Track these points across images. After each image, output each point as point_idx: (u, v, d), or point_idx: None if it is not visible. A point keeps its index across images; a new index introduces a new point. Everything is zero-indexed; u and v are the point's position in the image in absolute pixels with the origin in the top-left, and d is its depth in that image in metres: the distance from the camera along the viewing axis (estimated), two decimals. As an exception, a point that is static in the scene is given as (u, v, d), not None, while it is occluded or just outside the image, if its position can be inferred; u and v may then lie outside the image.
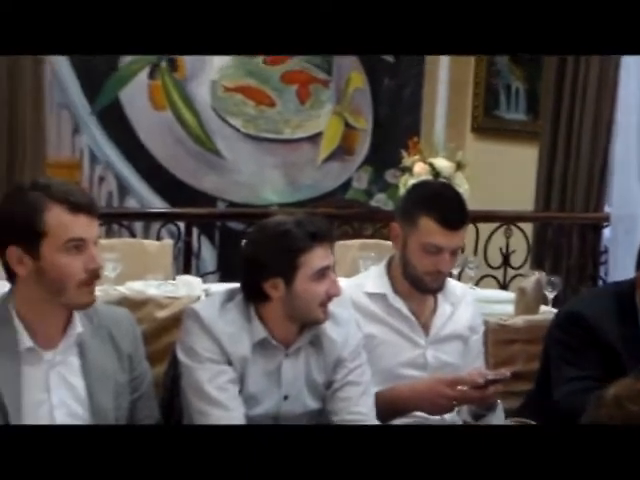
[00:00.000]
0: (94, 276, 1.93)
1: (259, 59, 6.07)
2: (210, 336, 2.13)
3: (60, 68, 5.60)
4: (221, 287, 3.43)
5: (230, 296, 2.21)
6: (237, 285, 2.23)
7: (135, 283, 3.28)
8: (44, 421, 1.91)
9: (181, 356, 2.16)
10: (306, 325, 2.20)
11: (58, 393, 1.94)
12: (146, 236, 5.23)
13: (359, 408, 2.18)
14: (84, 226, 1.90)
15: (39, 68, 5.28)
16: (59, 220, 1.88)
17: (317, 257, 2.12)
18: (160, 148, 5.93)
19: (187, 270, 4.50)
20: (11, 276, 1.95)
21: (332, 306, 2.19)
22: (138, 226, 5.32)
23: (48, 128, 5.42)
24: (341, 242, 3.77)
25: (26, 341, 1.91)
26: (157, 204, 5.91)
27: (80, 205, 1.90)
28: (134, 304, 2.77)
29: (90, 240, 1.91)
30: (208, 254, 5.89)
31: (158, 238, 4.59)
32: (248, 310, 2.18)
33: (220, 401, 2.09)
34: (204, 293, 3.09)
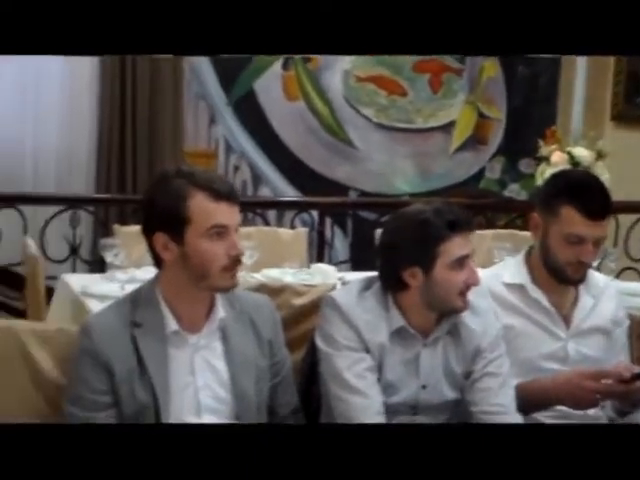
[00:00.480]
0: (236, 262, 1.96)
1: (392, 48, 6.05)
2: (348, 324, 2.14)
3: (198, 60, 5.74)
4: (355, 276, 3.47)
5: (368, 284, 2.22)
6: (374, 273, 2.24)
7: (271, 270, 3.34)
8: (190, 403, 1.97)
9: (320, 343, 2.18)
10: (444, 314, 2.18)
11: (203, 376, 1.99)
12: (279, 224, 5.32)
13: (499, 400, 2.15)
14: (226, 213, 1.94)
15: (179, 61, 5.45)
16: (202, 207, 1.91)
17: (456, 246, 2.10)
18: (293, 138, 6.01)
19: (320, 258, 4.55)
20: (158, 261, 2.00)
21: (470, 296, 2.16)
22: (271, 214, 5.41)
23: (186, 119, 5.60)
24: (475, 232, 3.72)
25: (172, 324, 1.97)
26: (290, 193, 5.99)
27: (222, 192, 1.93)
28: (272, 291, 2.81)
29: (232, 227, 1.95)
30: (340, 243, 5.93)
31: (292, 227, 4.65)
32: (386, 298, 2.18)
33: (359, 388, 2.10)
34: (339, 281, 3.12)
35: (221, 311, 2.02)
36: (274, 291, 2.85)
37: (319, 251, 4.71)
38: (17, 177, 5.23)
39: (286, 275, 3.18)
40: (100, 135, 5.36)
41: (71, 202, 4.66)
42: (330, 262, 4.72)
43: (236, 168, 5.96)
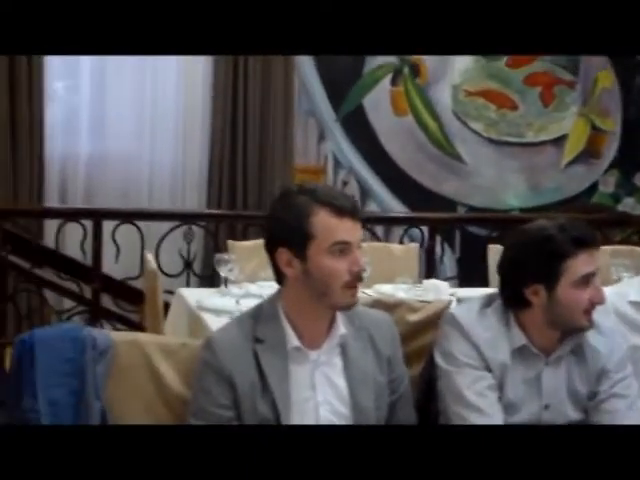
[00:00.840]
0: (357, 278, 1.96)
1: (501, 62, 5.99)
2: (469, 341, 2.11)
3: (307, 77, 5.80)
4: (468, 292, 3.43)
5: (488, 302, 2.19)
6: (487, 290, 2.20)
7: (384, 286, 3.33)
8: (310, 417, 1.98)
9: (439, 360, 2.16)
10: (568, 333, 2.13)
11: (323, 391, 2.00)
12: (387, 240, 5.31)
13: (626, 422, 2.09)
14: (348, 230, 1.94)
15: (289, 78, 5.52)
16: (325, 224, 1.92)
17: (581, 263, 2.05)
18: (401, 153, 6.00)
19: (430, 274, 4.51)
20: (279, 277, 2.02)
21: (595, 315, 2.11)
22: (378, 229, 5.40)
23: (295, 135, 5.67)
24: (600, 249, 3.62)
25: (293, 340, 1.98)
26: (397, 208, 5.98)
27: (345, 209, 1.93)
28: (386, 307, 2.79)
29: (354, 243, 1.95)
30: (447, 258, 5.88)
31: (401, 242, 4.64)
32: (507, 316, 2.15)
33: (479, 407, 2.07)
34: (451, 297, 3.09)
35: (341, 327, 2.02)
36: (389, 307, 2.82)
37: (428, 267, 4.68)
38: (134, 193, 5.39)
39: (399, 291, 3.17)
40: (212, 152, 5.47)
41: (186, 218, 4.77)
42: (438, 278, 4.68)
43: (344, 183, 5.99)
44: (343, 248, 1.93)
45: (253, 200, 5.53)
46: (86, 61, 5.32)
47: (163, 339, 2.36)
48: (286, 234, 1.95)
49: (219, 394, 1.94)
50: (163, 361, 2.16)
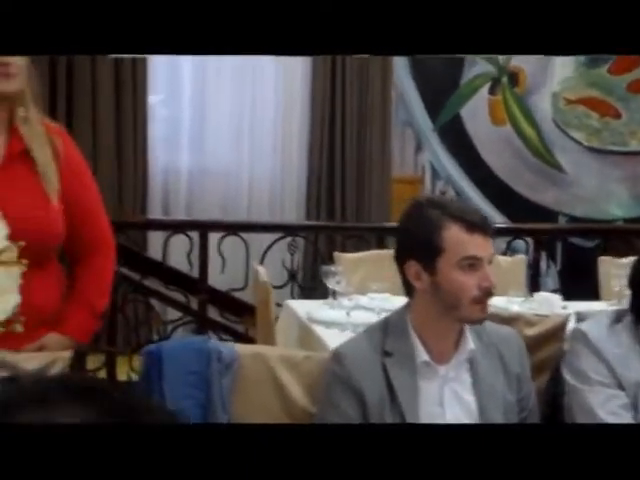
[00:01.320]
0: (487, 294, 1.94)
1: (603, 69, 5.86)
2: (600, 358, 2.06)
3: (404, 87, 5.78)
4: (579, 306, 3.35)
5: (618, 317, 2.13)
6: (624, 307, 2.15)
7: (495, 299, 3.27)
8: (439, 434, 1.96)
9: (568, 377, 2.11)
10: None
11: (451, 408, 1.98)
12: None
13: None
14: (479, 245, 1.92)
15: (387, 89, 5.52)
16: (456, 238, 1.92)
17: None
18: (499, 162, 5.93)
19: (535, 287, 4.43)
20: (408, 290, 2.02)
21: None
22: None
23: (393, 145, 5.66)
24: None
25: (423, 355, 1.97)
26: (496, 218, 5.90)
27: (476, 224, 1.92)
28: (502, 321, 2.74)
29: (484, 258, 1.93)
30: (549, 270, 5.78)
31: (503, 253, 4.57)
32: (639, 333, 2.09)
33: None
34: (569, 311, 3.02)
35: (471, 342, 2.00)
36: (505, 321, 2.78)
37: (533, 279, 4.60)
38: (233, 205, 5.46)
39: (512, 304, 3.11)
40: (310, 164, 5.50)
41: (291, 230, 4.80)
42: (541, 291, 4.59)
43: (442, 194, 5.94)
44: (473, 263, 1.92)
45: (351, 211, 5.53)
46: (186, 76, 5.41)
47: (286, 351, 2.37)
48: (416, 247, 1.96)
49: (347, 407, 1.94)
50: (287, 373, 2.17)
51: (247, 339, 4.16)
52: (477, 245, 1.92)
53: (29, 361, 1.93)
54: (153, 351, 2.18)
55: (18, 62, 2.08)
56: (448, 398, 1.98)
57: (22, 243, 1.47)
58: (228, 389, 2.15)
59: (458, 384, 1.99)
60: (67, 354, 2.05)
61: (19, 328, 1.42)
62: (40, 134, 2.15)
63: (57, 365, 1.98)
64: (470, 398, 1.99)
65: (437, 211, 1.94)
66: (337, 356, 2.00)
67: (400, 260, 1.99)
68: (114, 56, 5.04)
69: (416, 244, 1.95)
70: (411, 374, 1.96)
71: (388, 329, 2.01)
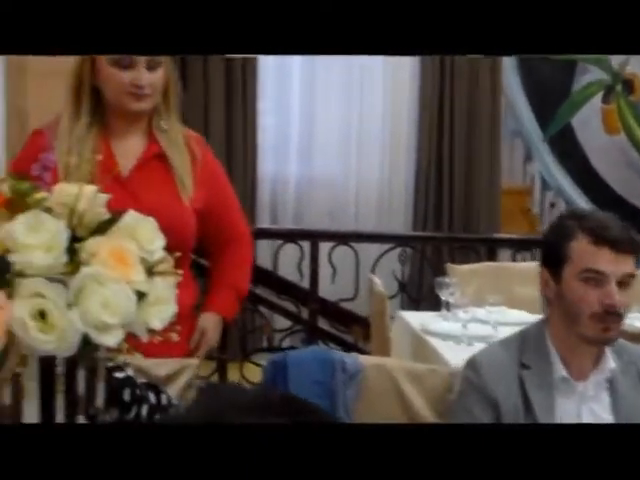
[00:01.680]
0: (609, 313, 1.88)
1: None
2: None
3: (514, 97, 5.69)
4: None
5: None
6: None
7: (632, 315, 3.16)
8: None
9: None
10: None
11: (589, 427, 1.92)
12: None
13: None
14: (606, 260, 1.88)
15: (496, 98, 5.44)
16: (583, 249, 1.90)
17: None
18: (613, 173, 5.77)
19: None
20: (545, 300, 2.01)
21: None
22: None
23: (501, 155, 5.57)
24: None
25: (560, 370, 1.93)
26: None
27: (607, 239, 1.89)
28: (632, 338, 2.66)
29: (611, 275, 1.88)
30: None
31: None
32: None
33: None
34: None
35: (611, 361, 1.95)
36: (634, 338, 2.69)
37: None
38: (340, 214, 5.45)
39: (637, 320, 3.00)
40: (417, 173, 5.46)
41: (401, 240, 4.77)
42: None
43: (552, 205, 5.82)
44: (597, 277, 1.89)
45: (459, 221, 5.46)
46: (294, 85, 5.45)
47: (409, 364, 2.35)
48: (547, 255, 1.99)
49: (480, 413, 1.92)
50: (410, 386, 2.15)
51: (357, 350, 4.14)
52: (603, 260, 1.88)
53: (160, 367, 1.96)
54: (277, 361, 2.18)
55: (156, 82, 2.15)
56: (586, 417, 1.93)
57: (178, 254, 1.49)
58: (352, 399, 2.15)
59: (596, 403, 1.95)
60: (195, 362, 2.08)
61: (175, 338, 1.44)
62: (177, 140, 2.25)
63: (186, 372, 2.01)
64: (609, 417, 1.93)
65: (573, 222, 1.95)
66: (473, 364, 1.98)
67: (541, 268, 1.99)
68: (224, 65, 5.11)
69: (548, 252, 1.98)
70: (548, 389, 1.92)
71: (526, 341, 1.99)
